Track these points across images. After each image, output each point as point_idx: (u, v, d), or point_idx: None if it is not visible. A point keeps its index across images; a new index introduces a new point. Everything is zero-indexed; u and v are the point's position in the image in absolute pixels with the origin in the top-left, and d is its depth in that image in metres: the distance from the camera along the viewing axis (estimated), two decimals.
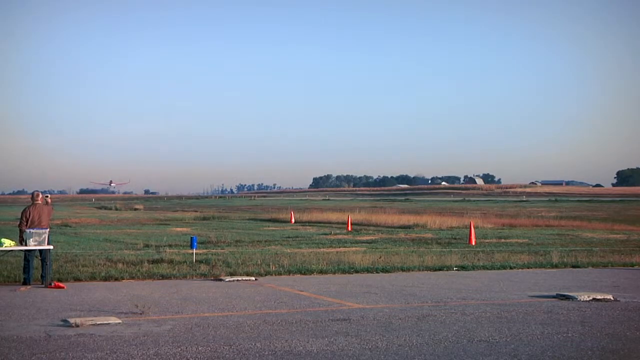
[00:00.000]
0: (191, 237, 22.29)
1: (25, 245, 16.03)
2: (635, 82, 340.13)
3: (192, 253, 21.26)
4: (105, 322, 11.08)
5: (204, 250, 24.62)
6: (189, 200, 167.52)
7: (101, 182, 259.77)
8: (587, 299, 13.98)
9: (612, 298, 14.12)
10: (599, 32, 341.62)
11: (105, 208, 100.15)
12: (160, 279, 17.42)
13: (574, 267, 21.10)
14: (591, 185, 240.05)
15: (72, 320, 10.99)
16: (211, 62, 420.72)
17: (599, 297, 14.14)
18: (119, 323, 11.09)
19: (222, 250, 25.35)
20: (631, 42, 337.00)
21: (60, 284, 15.73)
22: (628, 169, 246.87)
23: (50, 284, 15.74)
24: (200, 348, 9.31)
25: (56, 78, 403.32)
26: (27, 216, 16.35)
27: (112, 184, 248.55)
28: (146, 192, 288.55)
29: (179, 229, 43.47)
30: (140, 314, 11.97)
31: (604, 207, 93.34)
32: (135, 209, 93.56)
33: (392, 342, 9.76)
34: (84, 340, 9.77)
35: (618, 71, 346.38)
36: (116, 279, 17.18)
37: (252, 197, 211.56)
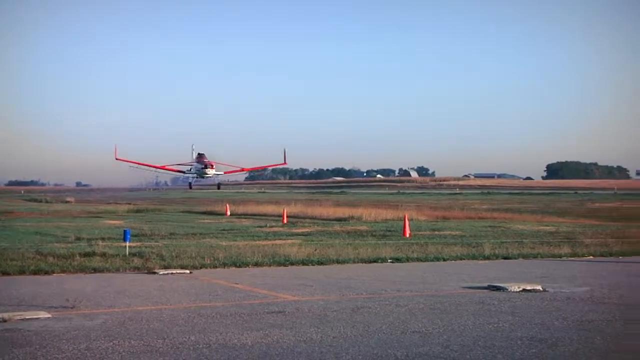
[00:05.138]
0: (124, 230, 21.97)
1: None
2: (565, 79, 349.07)
3: (125, 246, 20.95)
4: (34, 316, 10.85)
5: (138, 244, 24.28)
6: (122, 193, 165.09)
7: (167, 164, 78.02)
8: (518, 290, 14.30)
9: (541, 288, 14.48)
10: (534, 25, 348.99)
11: (35, 200, 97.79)
12: (92, 273, 17.15)
13: (505, 258, 21.55)
14: (522, 178, 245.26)
15: None
16: (136, 55, 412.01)
17: (528, 287, 14.48)
18: (49, 318, 10.87)
19: (156, 243, 25.05)
20: (560, 35, 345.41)
21: None
22: (557, 162, 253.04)
23: None
24: (133, 342, 9.20)
25: None
26: None
27: (208, 167, 69.92)
28: (78, 184, 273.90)
29: (112, 222, 42.80)
30: (72, 308, 11.76)
31: (534, 199, 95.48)
32: (67, 202, 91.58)
33: (327, 334, 9.81)
34: (12, 335, 9.54)
35: (550, 69, 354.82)
36: (46, 273, 16.84)
37: (187, 190, 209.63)
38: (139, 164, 71.66)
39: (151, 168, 75.03)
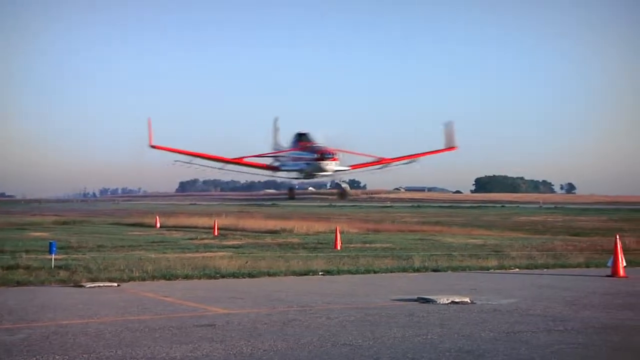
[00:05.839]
0: (50, 242, 21.46)
1: None
2: (493, 95, 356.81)
3: (51, 259, 20.44)
4: None
5: (64, 256, 23.70)
6: (48, 204, 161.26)
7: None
8: (446, 302, 14.50)
9: (469, 301, 14.71)
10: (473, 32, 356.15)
11: None
12: (15, 286, 16.66)
13: (434, 271, 21.80)
14: (451, 191, 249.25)
15: None
16: (56, 60, 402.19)
17: (457, 300, 14.69)
18: None
19: (84, 256, 24.51)
20: (483, 52, 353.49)
21: None
22: (485, 176, 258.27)
23: None
24: (57, 357, 8.96)
25: None
26: None
27: (326, 158, 41.50)
28: (1, 195, 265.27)
29: (37, 234, 41.67)
30: None
31: (464, 212, 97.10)
32: None
33: (257, 348, 9.74)
34: None
35: (477, 85, 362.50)
36: None
37: (116, 201, 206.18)
38: (190, 154, 44.00)
39: (213, 161, 44.52)
